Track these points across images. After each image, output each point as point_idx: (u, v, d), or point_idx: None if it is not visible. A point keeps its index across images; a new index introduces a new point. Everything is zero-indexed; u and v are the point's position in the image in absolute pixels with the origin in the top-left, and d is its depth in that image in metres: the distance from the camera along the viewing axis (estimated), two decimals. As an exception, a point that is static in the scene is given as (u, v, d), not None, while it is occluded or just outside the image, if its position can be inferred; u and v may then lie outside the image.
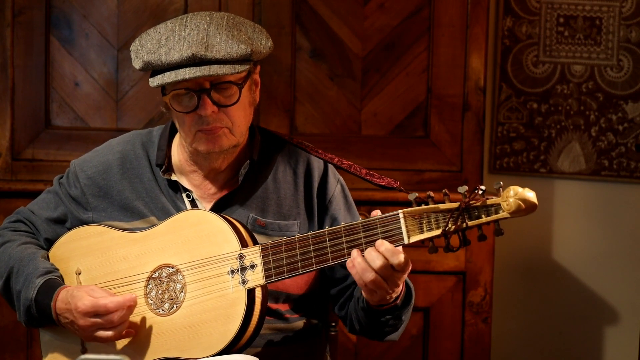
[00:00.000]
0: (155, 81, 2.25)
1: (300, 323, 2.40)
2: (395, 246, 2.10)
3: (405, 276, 2.17)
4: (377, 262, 2.09)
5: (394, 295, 2.20)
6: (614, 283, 3.91)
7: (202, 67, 2.21)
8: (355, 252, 2.12)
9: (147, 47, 2.26)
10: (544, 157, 3.91)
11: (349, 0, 3.49)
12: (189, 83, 2.24)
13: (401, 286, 2.22)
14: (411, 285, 2.31)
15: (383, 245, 2.10)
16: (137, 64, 2.28)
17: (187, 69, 2.21)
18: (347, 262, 2.14)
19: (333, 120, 3.52)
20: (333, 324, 2.60)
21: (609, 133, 3.86)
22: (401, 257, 2.09)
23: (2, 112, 3.48)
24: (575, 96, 3.87)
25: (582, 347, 3.96)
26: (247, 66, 2.24)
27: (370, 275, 2.11)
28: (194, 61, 2.21)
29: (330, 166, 2.45)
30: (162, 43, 2.25)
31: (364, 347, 3.49)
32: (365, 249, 2.12)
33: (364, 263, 2.11)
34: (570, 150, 3.90)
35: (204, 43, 2.21)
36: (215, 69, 2.20)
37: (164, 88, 2.29)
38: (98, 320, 2.22)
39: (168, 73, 2.23)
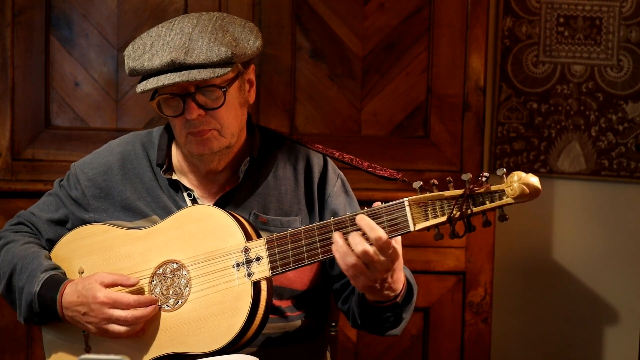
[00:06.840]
0: (139, 87, 2.26)
1: (300, 322, 2.40)
2: (402, 234, 2.10)
3: (390, 266, 2.12)
4: (359, 246, 2.08)
5: (392, 295, 2.19)
6: (614, 283, 3.91)
7: (182, 72, 2.22)
8: (337, 235, 2.12)
9: (135, 54, 2.27)
10: (544, 157, 3.91)
11: (349, 0, 3.49)
12: (173, 88, 2.25)
13: (401, 284, 2.21)
14: (413, 283, 2.31)
15: (363, 219, 2.09)
16: (126, 69, 2.30)
17: (167, 75, 2.22)
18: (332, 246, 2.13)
19: (333, 120, 3.52)
20: (333, 323, 2.60)
21: (609, 133, 3.86)
22: (379, 232, 2.07)
23: (2, 112, 3.48)
24: (575, 96, 3.87)
25: (582, 347, 3.96)
26: (229, 69, 2.24)
27: (351, 259, 2.09)
28: (174, 67, 2.22)
29: (330, 161, 2.46)
30: (146, 49, 2.26)
31: (364, 347, 3.49)
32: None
33: (345, 247, 2.10)
34: (570, 150, 3.90)
35: (184, 48, 2.22)
36: (194, 74, 2.21)
37: (153, 93, 2.31)
38: (114, 313, 2.22)
39: (151, 79, 2.24)
